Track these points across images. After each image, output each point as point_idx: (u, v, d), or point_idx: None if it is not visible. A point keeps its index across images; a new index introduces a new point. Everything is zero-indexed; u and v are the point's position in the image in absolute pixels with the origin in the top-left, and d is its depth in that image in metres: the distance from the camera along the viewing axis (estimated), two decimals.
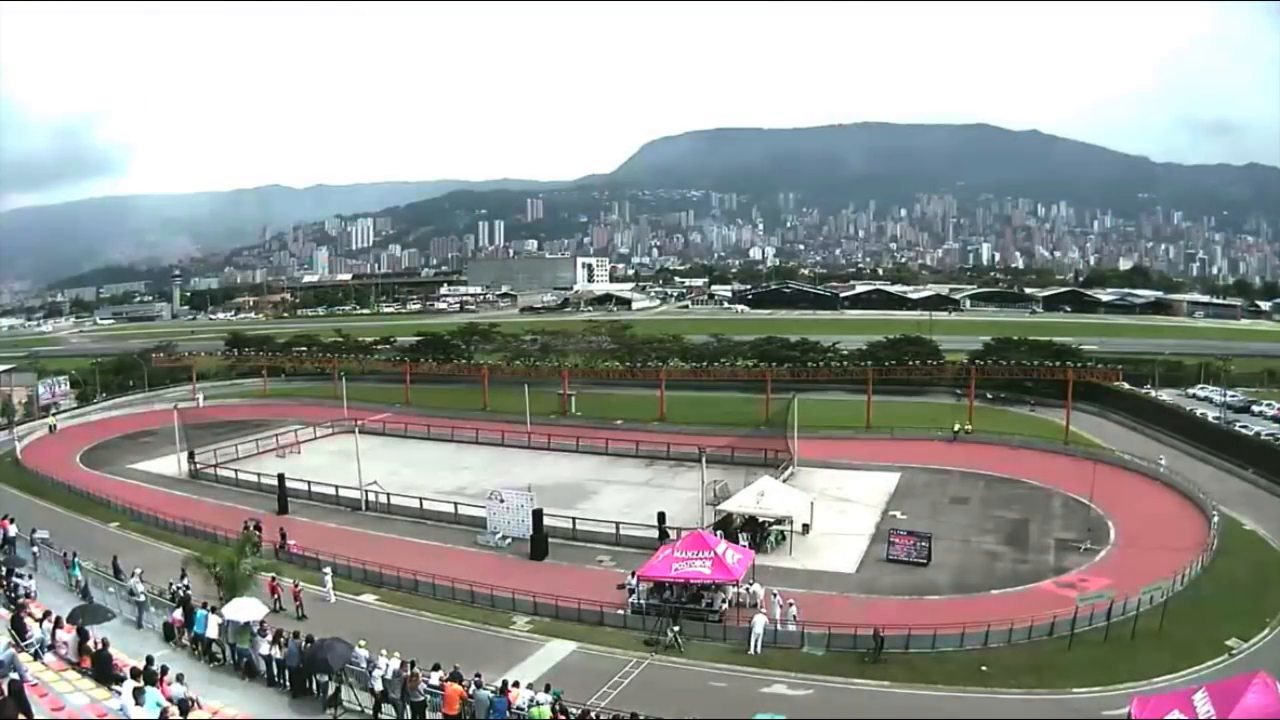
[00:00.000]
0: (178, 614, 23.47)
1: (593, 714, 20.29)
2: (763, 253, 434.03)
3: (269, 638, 21.14)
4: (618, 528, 38.84)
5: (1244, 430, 55.56)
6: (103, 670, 16.36)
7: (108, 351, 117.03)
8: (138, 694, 13.78)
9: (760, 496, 37.74)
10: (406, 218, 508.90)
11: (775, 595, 29.36)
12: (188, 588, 26.71)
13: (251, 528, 35.76)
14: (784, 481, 44.56)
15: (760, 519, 37.75)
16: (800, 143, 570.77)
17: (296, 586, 30.66)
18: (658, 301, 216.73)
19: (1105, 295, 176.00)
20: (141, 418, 71.35)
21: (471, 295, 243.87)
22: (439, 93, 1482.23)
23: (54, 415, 72.25)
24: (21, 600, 20.97)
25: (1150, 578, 29.23)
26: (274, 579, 30.63)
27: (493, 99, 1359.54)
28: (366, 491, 44.94)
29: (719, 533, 34.75)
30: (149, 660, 16.73)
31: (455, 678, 19.77)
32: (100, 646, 17.10)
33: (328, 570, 32.73)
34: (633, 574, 31.20)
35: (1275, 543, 36.51)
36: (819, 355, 77.07)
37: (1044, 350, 71.82)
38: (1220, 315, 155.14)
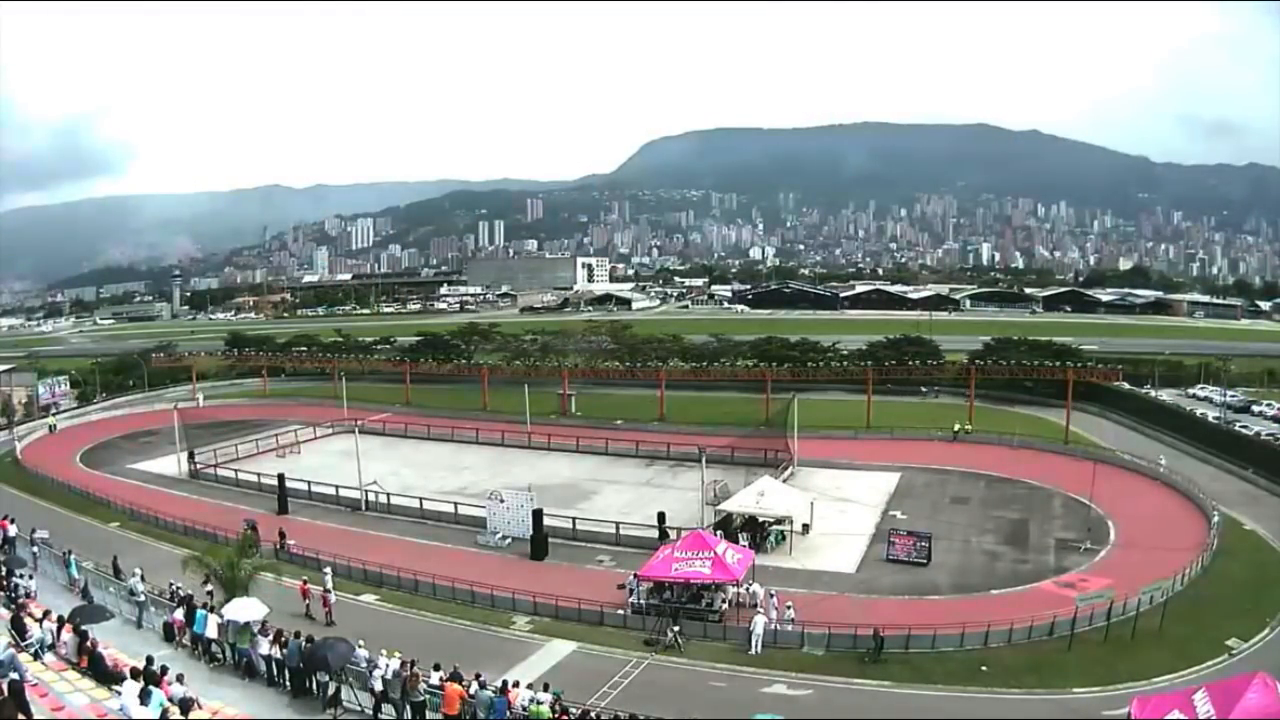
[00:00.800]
0: (178, 614, 23.46)
1: (593, 714, 20.28)
2: (763, 253, 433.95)
3: (269, 638, 21.13)
4: (618, 528, 38.85)
5: (1244, 430, 55.55)
6: (96, 670, 16.35)
7: (108, 351, 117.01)
8: (145, 695, 13.80)
9: (760, 496, 37.75)
10: (406, 218, 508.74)
11: (772, 596, 29.39)
12: (211, 594, 26.27)
13: (247, 529, 35.70)
14: (784, 481, 44.56)
15: (760, 519, 37.75)
16: (800, 143, 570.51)
17: (327, 592, 30.40)
18: (658, 301, 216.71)
19: (1105, 295, 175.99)
20: (141, 418, 71.35)
21: (471, 295, 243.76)
22: (439, 93, 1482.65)
23: (54, 415, 72.23)
24: (21, 600, 20.96)
25: (1150, 578, 29.26)
26: (305, 583, 30.66)
27: (493, 99, 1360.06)
28: (366, 491, 44.95)
29: (719, 533, 34.77)
30: (149, 660, 16.72)
31: (455, 678, 19.77)
32: (92, 647, 17.11)
33: (328, 570, 32.67)
34: (634, 575, 31.20)
35: (1275, 543, 36.52)
36: (819, 355, 77.03)
37: (1044, 350, 71.82)
38: (1220, 315, 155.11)
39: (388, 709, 19.57)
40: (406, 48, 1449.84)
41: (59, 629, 18.26)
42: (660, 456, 54.75)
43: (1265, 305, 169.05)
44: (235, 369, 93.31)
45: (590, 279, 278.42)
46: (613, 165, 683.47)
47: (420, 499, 44.28)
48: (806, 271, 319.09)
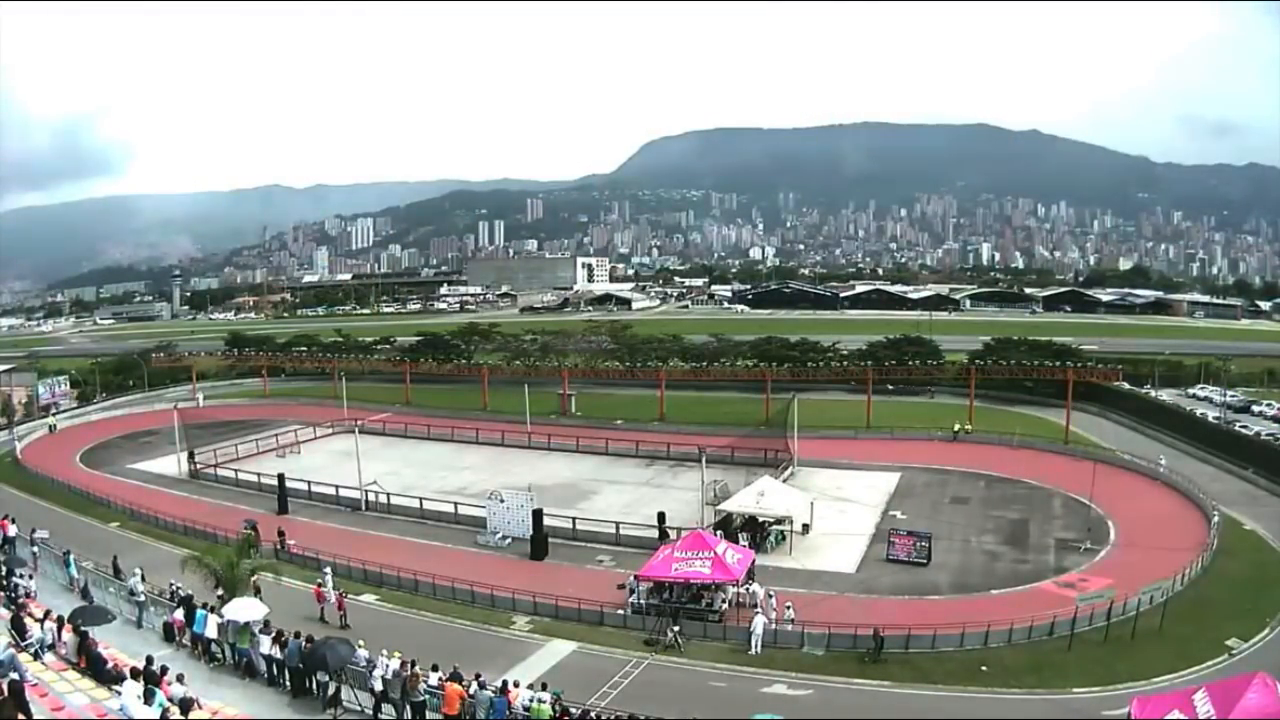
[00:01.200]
0: (178, 614, 23.46)
1: (593, 714, 20.29)
2: (763, 253, 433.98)
3: (270, 637, 21.13)
4: (618, 528, 38.83)
5: (1244, 430, 55.54)
6: (96, 671, 16.35)
7: (108, 351, 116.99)
8: (149, 695, 13.81)
9: (760, 496, 37.74)
10: (406, 218, 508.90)
11: (772, 596, 29.40)
12: (222, 599, 26.12)
13: (248, 529, 35.68)
14: (784, 481, 44.55)
15: (760, 519, 37.75)
16: (800, 143, 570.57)
17: (341, 594, 30.22)
18: (658, 301, 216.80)
19: (1105, 295, 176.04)
20: (141, 418, 71.32)
21: (471, 295, 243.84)
22: (439, 93, 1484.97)
23: (54, 415, 72.22)
24: (21, 600, 20.96)
25: (1150, 578, 29.25)
26: (320, 586, 30.56)
27: (493, 99, 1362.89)
28: (366, 491, 44.93)
29: (719, 533, 34.76)
30: (149, 660, 16.73)
31: (455, 678, 19.79)
32: (92, 647, 17.11)
33: (328, 570, 32.66)
34: (634, 576, 31.18)
35: (1275, 543, 36.52)
36: (819, 355, 77.02)
37: (1044, 350, 71.83)
38: (1220, 315, 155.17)
39: (388, 709, 19.58)
40: (407, 48, 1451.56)
41: (59, 629, 18.26)
42: (660, 456, 54.73)
43: (1265, 305, 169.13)
44: (235, 369, 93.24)
45: (590, 279, 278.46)
46: (613, 165, 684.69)
47: (420, 499, 44.26)
48: (806, 271, 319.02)
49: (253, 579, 28.19)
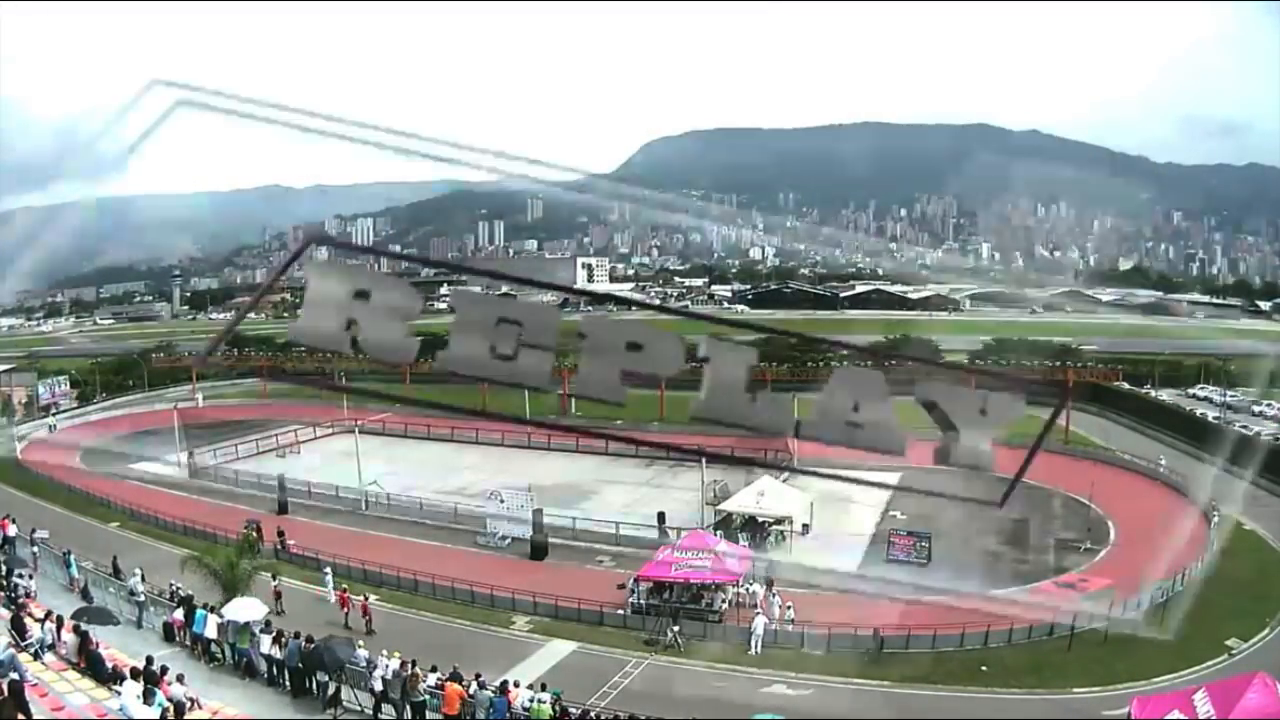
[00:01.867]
0: (178, 614, 23.47)
1: (593, 714, 20.31)
2: (763, 253, 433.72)
3: (270, 637, 21.14)
4: (618, 528, 38.83)
5: (1244, 430, 55.49)
6: (96, 671, 16.35)
7: (108, 351, 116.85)
8: (149, 695, 13.81)
9: (760, 496, 37.75)
10: (406, 218, 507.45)
11: (775, 596, 29.39)
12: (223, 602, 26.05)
13: (250, 530, 35.64)
14: (784, 481, 44.48)
15: (760, 519, 37.73)
16: (800, 143, 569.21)
17: (365, 600, 29.98)
18: (658, 302, 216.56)
19: (1105, 295, 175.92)
20: (141, 418, 71.29)
21: None
22: (439, 93, 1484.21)
23: (54, 415, 72.16)
24: (21, 600, 20.95)
25: (1150, 578, 29.23)
26: (344, 592, 30.43)
27: (493, 99, 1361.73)
28: (366, 491, 44.91)
29: (719, 533, 34.77)
30: (149, 660, 16.73)
31: (455, 678, 19.79)
32: (92, 647, 17.12)
33: (328, 570, 32.67)
34: (635, 577, 31.16)
35: (1275, 543, 36.57)
36: (819, 355, 76.85)
37: (1044, 350, 71.77)
38: (1220, 315, 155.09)
39: (388, 709, 19.58)
40: (406, 48, 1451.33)
41: (59, 629, 18.26)
42: (660, 457, 54.66)
43: (1265, 305, 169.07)
44: (235, 369, 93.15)
45: (590, 279, 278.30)
46: (613, 165, 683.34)
47: (420, 499, 44.24)
48: (806, 271, 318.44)
49: (274, 584, 28.21)
